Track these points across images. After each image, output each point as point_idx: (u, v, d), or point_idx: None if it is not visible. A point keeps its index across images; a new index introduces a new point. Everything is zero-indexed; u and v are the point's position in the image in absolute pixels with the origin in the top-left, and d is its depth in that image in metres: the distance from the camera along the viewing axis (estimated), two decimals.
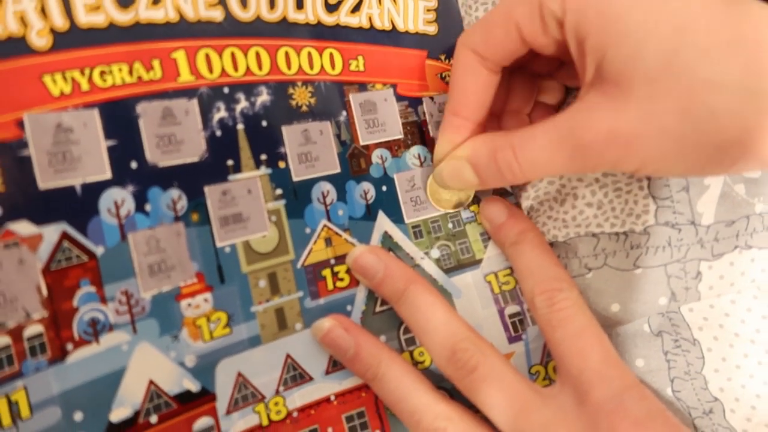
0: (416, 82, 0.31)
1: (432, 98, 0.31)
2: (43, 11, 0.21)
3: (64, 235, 0.22)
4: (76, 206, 0.22)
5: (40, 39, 0.21)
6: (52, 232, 0.21)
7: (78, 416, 0.21)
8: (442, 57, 0.32)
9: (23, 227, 0.21)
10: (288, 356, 0.26)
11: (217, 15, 0.25)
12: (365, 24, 0.30)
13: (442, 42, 0.32)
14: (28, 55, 0.21)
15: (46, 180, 0.21)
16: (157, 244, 0.23)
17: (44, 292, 0.21)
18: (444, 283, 0.30)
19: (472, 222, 0.31)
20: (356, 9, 0.29)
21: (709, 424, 0.29)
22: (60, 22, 0.22)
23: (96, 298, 0.22)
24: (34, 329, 0.21)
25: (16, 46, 0.21)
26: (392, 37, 0.31)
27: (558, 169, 0.25)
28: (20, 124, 0.21)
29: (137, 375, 0.23)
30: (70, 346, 0.21)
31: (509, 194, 0.32)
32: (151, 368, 0.23)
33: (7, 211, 0.21)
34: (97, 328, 0.22)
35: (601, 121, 0.22)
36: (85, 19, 0.22)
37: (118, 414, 0.22)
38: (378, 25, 0.30)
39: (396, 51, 0.31)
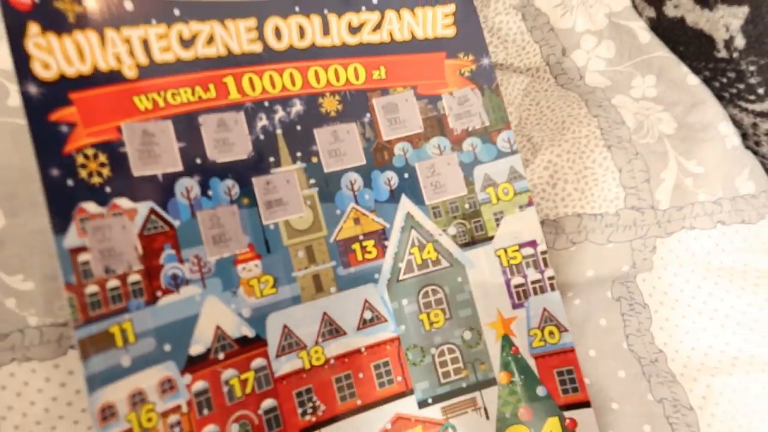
0: (435, 82, 0.34)
1: (451, 93, 0.34)
2: (132, 52, 0.29)
3: (152, 211, 0.28)
4: (159, 189, 0.28)
5: (130, 71, 0.28)
6: (143, 208, 0.27)
7: (167, 347, 0.27)
8: (461, 55, 0.34)
9: (124, 203, 0.27)
10: (324, 314, 0.31)
11: (257, 48, 0.31)
12: (386, 39, 0.33)
13: (461, 42, 0.34)
14: (123, 83, 0.28)
15: (137, 170, 0.28)
16: (218, 221, 0.29)
17: (140, 250, 0.27)
18: (459, 255, 0.33)
19: (487, 203, 0.34)
20: (378, 27, 0.33)
21: (655, 370, 0.34)
22: (143, 60, 0.29)
23: (175, 259, 0.28)
24: (134, 277, 0.27)
25: (115, 76, 0.28)
26: (412, 45, 0.34)
27: None
28: (119, 130, 0.28)
29: (207, 320, 0.28)
30: (159, 293, 0.27)
31: (522, 178, 0.35)
32: (217, 316, 0.28)
33: (114, 190, 0.27)
34: (177, 282, 0.28)
35: None
36: (159, 57, 0.29)
37: (195, 349, 0.28)
38: (398, 38, 0.33)
39: (416, 57, 0.34)
